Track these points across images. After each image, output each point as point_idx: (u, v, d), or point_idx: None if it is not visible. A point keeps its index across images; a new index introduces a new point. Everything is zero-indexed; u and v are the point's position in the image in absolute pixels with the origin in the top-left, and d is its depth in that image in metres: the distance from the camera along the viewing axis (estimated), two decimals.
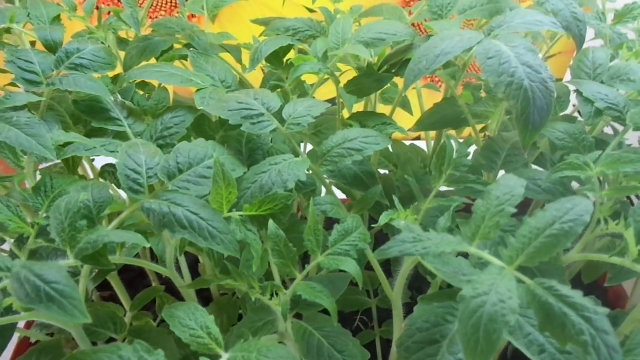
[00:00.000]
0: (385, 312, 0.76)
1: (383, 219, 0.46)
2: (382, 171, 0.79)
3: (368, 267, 0.81)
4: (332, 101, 0.68)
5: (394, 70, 0.61)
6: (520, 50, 0.49)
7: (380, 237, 0.72)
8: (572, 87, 0.56)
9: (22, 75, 0.56)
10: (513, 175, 0.40)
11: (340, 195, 0.65)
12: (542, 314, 0.33)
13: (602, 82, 0.56)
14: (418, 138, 1.27)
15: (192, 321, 0.40)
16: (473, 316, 0.32)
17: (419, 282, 0.75)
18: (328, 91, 0.67)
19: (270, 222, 0.44)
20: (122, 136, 0.58)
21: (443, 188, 0.54)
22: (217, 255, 0.45)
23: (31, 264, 0.33)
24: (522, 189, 0.39)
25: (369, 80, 0.60)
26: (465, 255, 0.42)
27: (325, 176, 0.58)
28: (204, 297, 0.75)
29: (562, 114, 0.60)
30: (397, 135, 0.88)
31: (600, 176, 0.46)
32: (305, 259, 0.56)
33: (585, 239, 0.48)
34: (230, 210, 0.45)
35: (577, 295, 0.33)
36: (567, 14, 0.54)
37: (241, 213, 0.45)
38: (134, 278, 0.86)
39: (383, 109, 0.78)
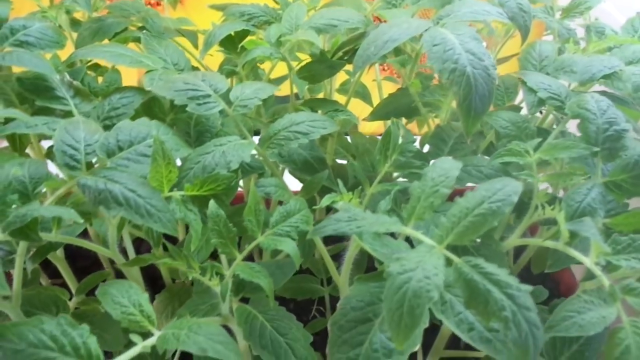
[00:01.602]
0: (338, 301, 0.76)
1: (325, 201, 0.46)
2: (340, 161, 0.80)
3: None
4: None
5: (346, 57, 0.61)
6: (465, 38, 0.49)
7: None
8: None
9: None
10: (449, 158, 0.41)
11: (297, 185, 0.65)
12: (468, 290, 0.34)
13: (548, 74, 0.58)
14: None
15: (125, 298, 0.39)
16: (398, 292, 0.32)
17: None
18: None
19: (211, 201, 0.44)
20: (68, 116, 0.57)
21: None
22: (156, 235, 0.45)
23: None
24: (457, 170, 0.40)
25: (321, 67, 0.60)
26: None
27: (276, 161, 0.58)
28: (157, 285, 0.75)
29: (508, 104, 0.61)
30: (363, 129, 0.89)
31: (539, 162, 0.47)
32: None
33: (523, 224, 0.49)
34: (171, 190, 0.45)
35: (502, 273, 0.34)
36: (512, 4, 0.55)
37: (182, 193, 0.45)
38: (89, 266, 0.85)
39: (341, 100, 0.78)
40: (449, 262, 0.35)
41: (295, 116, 0.51)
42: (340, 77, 0.78)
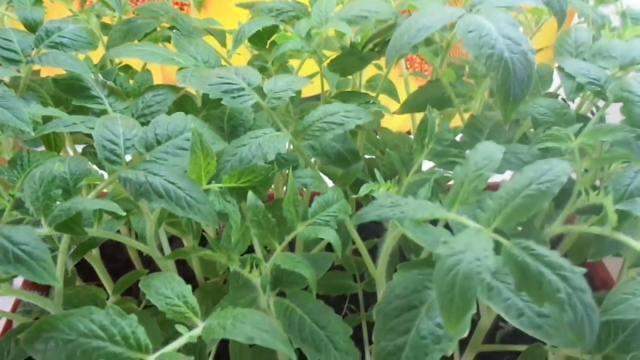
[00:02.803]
0: (372, 297, 0.76)
1: (363, 190, 0.46)
2: (368, 157, 0.79)
3: (355, 252, 0.81)
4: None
5: (377, 49, 0.61)
6: (501, 24, 0.48)
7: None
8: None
9: (1, 54, 0.56)
10: (491, 142, 0.40)
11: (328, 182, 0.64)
12: (519, 273, 0.33)
13: (584, 60, 0.57)
14: (409, 133, 1.27)
15: (169, 290, 0.39)
16: (448, 274, 0.31)
17: None
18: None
19: (250, 193, 0.44)
20: (103, 115, 0.57)
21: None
22: (195, 227, 0.45)
23: (0, 227, 0.33)
24: (500, 154, 0.39)
25: (351, 59, 0.59)
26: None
27: (308, 155, 0.57)
28: (190, 284, 0.75)
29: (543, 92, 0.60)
30: (388, 125, 0.88)
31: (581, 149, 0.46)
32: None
33: (566, 211, 0.48)
34: (209, 183, 0.45)
35: (553, 255, 0.33)
36: None
37: (220, 185, 0.45)
38: (120, 268, 0.86)
39: None
40: (497, 247, 0.34)
41: (329, 107, 0.51)
42: (367, 73, 0.78)
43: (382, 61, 0.73)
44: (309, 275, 0.42)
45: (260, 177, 0.45)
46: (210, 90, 0.50)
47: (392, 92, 0.82)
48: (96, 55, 0.69)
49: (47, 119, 0.54)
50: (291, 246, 0.76)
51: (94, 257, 0.66)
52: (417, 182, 0.50)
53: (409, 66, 1.24)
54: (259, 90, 0.52)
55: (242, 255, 0.49)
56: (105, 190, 0.48)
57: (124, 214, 0.39)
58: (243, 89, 0.50)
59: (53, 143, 0.66)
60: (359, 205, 0.72)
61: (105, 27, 0.74)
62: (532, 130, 0.61)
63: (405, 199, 0.38)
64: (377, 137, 0.83)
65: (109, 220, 0.53)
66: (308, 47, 0.57)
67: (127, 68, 0.71)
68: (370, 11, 0.58)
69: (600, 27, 0.62)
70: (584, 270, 0.33)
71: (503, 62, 0.46)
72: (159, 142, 0.45)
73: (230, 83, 0.50)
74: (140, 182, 0.41)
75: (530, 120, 0.55)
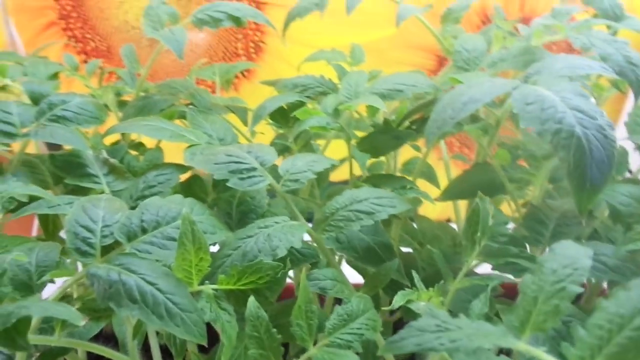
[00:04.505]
0: None
1: (399, 299, 0.35)
2: (404, 249, 0.69)
3: None
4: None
5: (414, 128, 0.53)
6: (567, 95, 0.40)
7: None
8: (631, 146, 0.47)
9: None
10: (572, 242, 0.30)
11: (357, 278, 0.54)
12: None
13: None
14: (448, 221, 1.16)
15: None
16: None
17: None
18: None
19: (251, 298, 0.34)
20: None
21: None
22: (179, 342, 0.35)
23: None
24: (589, 260, 0.28)
25: (385, 137, 0.51)
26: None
27: (332, 249, 0.48)
28: None
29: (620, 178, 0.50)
30: (424, 212, 0.78)
31: None
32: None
33: None
34: (202, 283, 0.36)
35: None
36: (619, 58, 0.46)
37: (215, 286, 0.35)
38: None
39: None
40: None
41: (357, 192, 0.42)
42: (403, 155, 0.70)
43: (420, 142, 0.65)
44: None
45: (267, 278, 0.36)
46: (216, 170, 0.42)
47: (431, 177, 0.73)
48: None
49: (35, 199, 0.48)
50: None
51: None
52: (467, 288, 0.39)
53: (448, 150, 1.17)
54: (274, 171, 0.44)
55: None
56: None
57: (82, 323, 0.30)
58: (255, 169, 0.42)
59: (51, 225, 0.59)
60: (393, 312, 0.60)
61: (122, 105, 0.69)
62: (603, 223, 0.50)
63: (456, 320, 0.27)
64: (414, 226, 0.73)
65: (84, 322, 0.44)
66: (334, 124, 0.49)
67: (139, 146, 0.66)
68: (407, 85, 0.51)
69: None
70: None
71: (575, 138, 0.37)
72: (144, 231, 0.37)
73: (239, 162, 0.42)
74: (111, 280, 0.32)
75: (608, 211, 0.44)
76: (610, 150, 0.37)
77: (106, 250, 0.36)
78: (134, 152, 0.62)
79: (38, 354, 0.42)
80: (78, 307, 0.43)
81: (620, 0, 0.58)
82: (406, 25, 0.62)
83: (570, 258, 0.28)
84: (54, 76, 0.65)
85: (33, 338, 0.34)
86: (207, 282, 0.36)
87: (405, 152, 0.68)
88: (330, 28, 1.08)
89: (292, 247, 0.39)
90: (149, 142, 0.66)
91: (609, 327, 0.24)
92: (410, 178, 0.66)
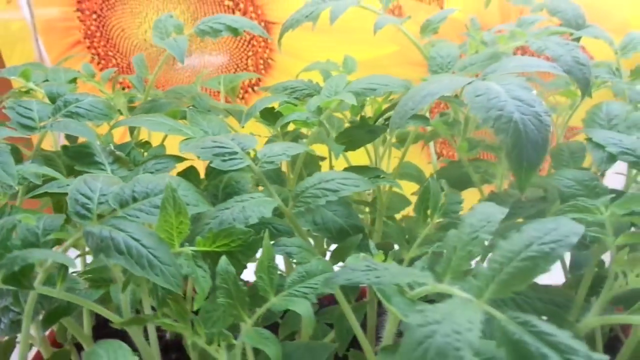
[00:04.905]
0: None
1: (350, 260, 0.40)
2: None
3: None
4: None
5: (387, 123, 0.58)
6: (511, 87, 0.45)
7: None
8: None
9: (18, 120, 0.58)
10: (492, 203, 0.34)
11: None
12: (516, 355, 0.25)
13: (618, 132, 0.51)
14: None
15: (110, 358, 0.34)
16: (417, 348, 0.24)
17: None
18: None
19: (223, 257, 0.39)
20: None
21: None
22: (160, 293, 0.40)
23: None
24: (501, 215, 0.33)
25: (361, 132, 0.57)
26: None
27: (309, 230, 0.53)
28: None
29: None
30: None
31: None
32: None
33: (602, 298, 0.40)
34: (182, 246, 0.41)
35: (562, 335, 0.25)
36: (568, 58, 0.51)
37: (193, 248, 0.41)
38: None
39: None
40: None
41: (326, 174, 0.47)
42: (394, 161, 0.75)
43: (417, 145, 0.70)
44: (273, 355, 0.36)
45: (238, 242, 0.41)
46: (202, 153, 0.48)
47: (420, 180, 0.78)
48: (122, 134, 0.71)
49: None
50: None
51: (83, 335, 0.61)
52: (421, 256, 0.43)
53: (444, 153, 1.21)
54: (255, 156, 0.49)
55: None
56: None
57: (76, 267, 0.35)
58: (236, 153, 0.48)
59: (65, 207, 0.65)
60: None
61: (133, 109, 0.76)
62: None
63: (385, 265, 0.32)
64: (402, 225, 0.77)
65: (85, 288, 0.50)
66: (314, 118, 0.55)
67: (146, 144, 0.72)
68: (379, 84, 0.56)
69: (636, 104, 0.57)
70: (605, 357, 0.25)
71: (513, 123, 0.42)
72: (135, 200, 0.42)
73: (223, 147, 0.48)
74: (102, 236, 0.38)
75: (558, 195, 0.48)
76: (545, 134, 0.41)
77: (101, 217, 0.41)
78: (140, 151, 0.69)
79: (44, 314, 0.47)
80: (83, 276, 0.49)
81: (583, 11, 0.63)
82: (407, 43, 0.67)
83: (485, 214, 0.33)
84: (72, 81, 0.72)
85: (38, 287, 0.40)
86: (186, 244, 0.41)
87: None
88: (334, 46, 1.15)
89: (270, 224, 0.45)
90: (156, 142, 0.73)
91: (502, 260, 0.28)
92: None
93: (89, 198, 0.42)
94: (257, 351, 0.40)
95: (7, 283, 0.35)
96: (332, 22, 0.64)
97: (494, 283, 0.28)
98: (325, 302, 0.73)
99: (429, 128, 0.72)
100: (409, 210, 0.79)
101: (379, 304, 0.63)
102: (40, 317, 0.48)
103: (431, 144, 0.80)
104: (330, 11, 0.64)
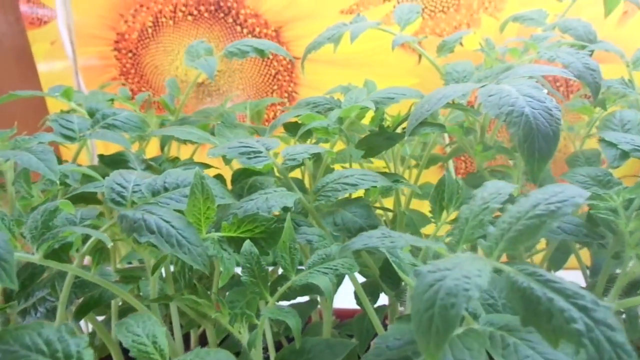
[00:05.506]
0: None
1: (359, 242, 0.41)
2: None
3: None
4: None
5: (404, 129, 0.60)
6: (522, 87, 0.47)
7: None
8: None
9: (60, 131, 0.62)
10: (502, 181, 0.36)
11: None
12: (524, 302, 0.26)
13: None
14: None
15: (140, 328, 0.36)
16: (428, 290, 0.26)
17: None
18: None
19: (247, 241, 0.42)
20: None
21: None
22: (187, 275, 0.42)
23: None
24: (511, 188, 0.34)
25: (379, 139, 0.59)
26: None
27: (329, 230, 0.55)
28: None
29: None
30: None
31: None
32: None
33: (618, 284, 0.40)
34: (209, 232, 0.43)
35: (568, 284, 0.27)
36: (579, 65, 0.53)
37: (219, 234, 0.43)
38: None
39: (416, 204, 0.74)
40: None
41: (346, 170, 0.49)
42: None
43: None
44: (293, 325, 0.37)
45: (262, 228, 0.43)
46: (228, 153, 0.51)
47: None
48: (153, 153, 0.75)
49: None
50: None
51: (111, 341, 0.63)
52: None
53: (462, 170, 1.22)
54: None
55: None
56: None
57: (111, 244, 0.38)
58: (260, 152, 0.51)
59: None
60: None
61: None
62: None
63: (400, 233, 0.34)
64: None
65: (117, 281, 0.52)
66: (334, 125, 0.58)
67: (176, 159, 0.76)
68: (397, 94, 0.59)
69: None
70: (611, 305, 0.26)
71: (524, 116, 0.44)
72: (166, 190, 0.45)
73: (248, 147, 0.51)
74: (135, 218, 0.41)
75: None
76: (556, 126, 0.43)
77: (134, 204, 0.44)
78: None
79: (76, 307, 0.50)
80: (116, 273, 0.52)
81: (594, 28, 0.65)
82: (427, 75, 0.70)
83: (496, 188, 0.34)
84: (109, 101, 0.78)
85: (73, 269, 0.42)
86: (213, 230, 0.44)
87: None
88: (355, 80, 1.20)
89: (292, 220, 0.47)
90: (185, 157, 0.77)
91: (510, 221, 0.30)
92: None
93: (123, 187, 0.45)
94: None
95: (49, 258, 0.38)
96: (352, 41, 0.68)
97: (503, 241, 0.29)
98: (344, 316, 0.74)
99: (447, 149, 0.75)
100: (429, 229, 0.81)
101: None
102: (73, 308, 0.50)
103: (450, 162, 0.82)
104: (351, 32, 0.68)
